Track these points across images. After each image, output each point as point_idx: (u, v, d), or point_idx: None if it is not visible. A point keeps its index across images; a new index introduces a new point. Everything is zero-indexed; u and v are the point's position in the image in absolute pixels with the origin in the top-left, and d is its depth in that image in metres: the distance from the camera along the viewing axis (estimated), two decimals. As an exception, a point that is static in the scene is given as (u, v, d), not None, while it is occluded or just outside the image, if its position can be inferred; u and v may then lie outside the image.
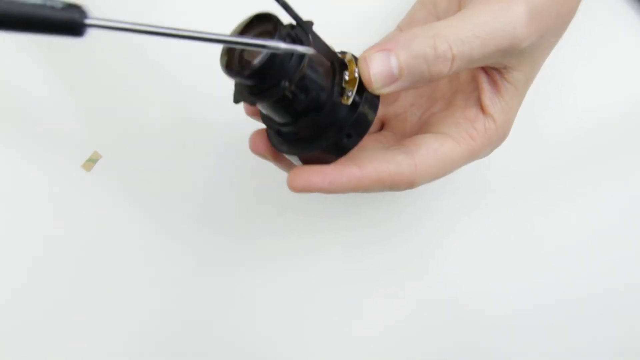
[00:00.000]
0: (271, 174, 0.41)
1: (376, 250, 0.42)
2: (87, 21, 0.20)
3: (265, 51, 0.25)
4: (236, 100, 0.28)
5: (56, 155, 0.42)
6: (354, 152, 0.29)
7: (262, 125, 0.32)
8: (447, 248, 0.42)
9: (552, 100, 0.42)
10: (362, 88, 0.28)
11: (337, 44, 0.40)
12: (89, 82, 0.43)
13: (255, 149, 0.31)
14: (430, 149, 0.30)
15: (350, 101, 0.28)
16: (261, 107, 0.28)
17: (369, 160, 0.29)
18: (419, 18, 0.36)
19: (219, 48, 0.28)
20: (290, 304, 0.42)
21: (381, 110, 0.35)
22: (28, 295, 0.41)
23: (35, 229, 0.42)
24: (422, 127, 0.33)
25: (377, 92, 0.28)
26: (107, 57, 0.43)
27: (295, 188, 0.28)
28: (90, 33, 0.20)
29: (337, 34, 0.41)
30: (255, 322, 0.42)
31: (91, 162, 0.42)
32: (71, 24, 0.20)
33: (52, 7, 0.19)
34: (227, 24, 0.28)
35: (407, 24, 0.37)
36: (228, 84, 0.32)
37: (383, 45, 0.27)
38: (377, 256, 0.42)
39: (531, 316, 0.42)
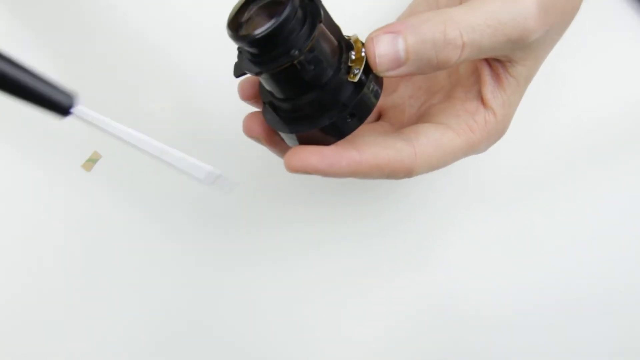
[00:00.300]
0: (271, 174, 0.41)
1: (374, 243, 0.42)
2: (72, 110, 0.22)
3: (276, 18, 0.25)
4: (237, 73, 0.27)
5: (56, 155, 0.42)
6: (352, 137, 0.29)
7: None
8: (446, 242, 0.42)
9: (553, 99, 0.42)
10: (368, 69, 0.28)
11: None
12: (89, 83, 0.43)
13: (249, 133, 0.31)
14: (431, 138, 0.29)
15: (357, 78, 0.27)
16: (264, 80, 0.28)
17: (369, 145, 0.28)
18: (420, 11, 0.36)
19: (219, 53, 0.28)
20: (290, 301, 0.42)
21: (379, 101, 0.35)
22: (28, 295, 0.41)
23: (35, 228, 0.42)
24: (422, 118, 0.33)
25: (381, 74, 0.27)
26: (107, 57, 0.43)
27: (292, 168, 0.27)
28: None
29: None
30: (254, 320, 0.42)
31: (91, 162, 0.42)
32: (58, 107, 0.21)
33: (50, 86, 0.21)
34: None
35: (408, 15, 0.36)
36: (229, 84, 0.32)
37: (392, 27, 0.27)
38: (375, 249, 0.42)
39: (529, 312, 0.42)
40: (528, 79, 0.32)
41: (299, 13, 0.26)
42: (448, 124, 0.30)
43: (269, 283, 0.42)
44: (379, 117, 0.36)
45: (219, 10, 0.29)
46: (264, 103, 0.30)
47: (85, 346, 0.41)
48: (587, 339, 0.42)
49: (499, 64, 0.30)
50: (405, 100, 0.35)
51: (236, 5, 0.27)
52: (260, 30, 0.25)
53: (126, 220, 0.42)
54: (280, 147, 0.31)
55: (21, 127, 0.42)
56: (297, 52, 0.25)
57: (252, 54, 0.27)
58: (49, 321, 0.41)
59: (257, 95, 0.31)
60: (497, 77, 0.31)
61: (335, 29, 0.28)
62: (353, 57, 0.28)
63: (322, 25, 0.26)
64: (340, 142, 0.28)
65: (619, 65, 0.43)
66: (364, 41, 0.28)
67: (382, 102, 0.36)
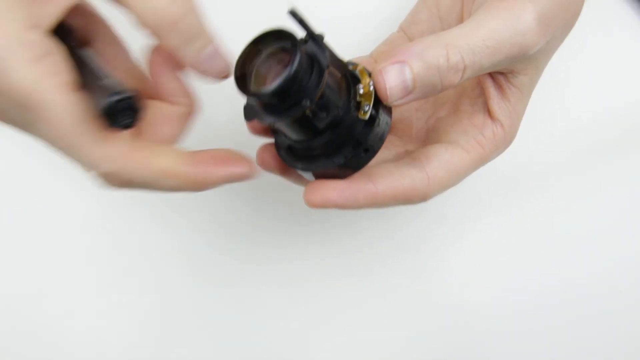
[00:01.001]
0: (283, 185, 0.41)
1: (380, 255, 0.43)
2: None
3: (288, 70, 0.25)
4: (249, 117, 0.28)
5: (56, 155, 0.42)
6: (366, 166, 0.30)
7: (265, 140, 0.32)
8: (451, 250, 0.43)
9: (553, 100, 0.42)
10: (377, 100, 0.28)
11: (337, 44, 0.40)
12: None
13: (264, 166, 0.31)
14: (442, 161, 0.30)
15: (368, 116, 0.27)
16: (276, 125, 0.28)
17: (384, 176, 0.29)
18: (422, 19, 0.36)
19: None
20: (297, 314, 0.43)
21: None
22: (27, 294, 0.41)
23: (35, 228, 0.42)
24: (430, 133, 0.33)
25: (391, 104, 0.28)
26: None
27: (312, 203, 0.28)
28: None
29: (337, 33, 0.41)
30: (259, 333, 0.42)
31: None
32: None
33: None
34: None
35: (410, 24, 0.37)
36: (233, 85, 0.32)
37: (397, 57, 0.27)
38: (381, 261, 0.43)
39: (536, 319, 0.42)
40: (531, 87, 0.32)
41: (306, 60, 0.25)
42: (457, 142, 0.31)
43: (272, 295, 0.43)
44: None
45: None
46: (276, 140, 0.31)
47: (83, 347, 0.41)
48: (595, 342, 0.42)
49: (501, 75, 0.31)
50: (412, 114, 0.35)
51: (241, 54, 0.27)
52: (269, 88, 0.25)
53: (126, 221, 0.42)
54: (294, 176, 0.32)
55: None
56: (308, 103, 0.25)
57: (262, 104, 0.27)
58: (49, 321, 0.42)
59: (267, 130, 0.31)
60: (500, 88, 0.31)
61: (340, 64, 0.28)
62: (361, 91, 0.28)
63: (329, 69, 0.26)
64: (356, 174, 0.29)
65: (619, 65, 0.43)
66: (364, 65, 0.29)
67: None
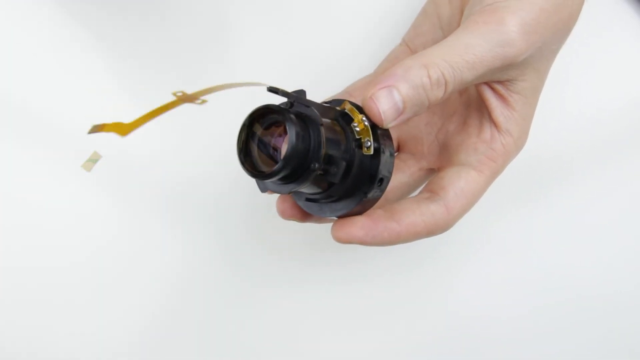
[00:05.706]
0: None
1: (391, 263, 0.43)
2: None
3: (287, 146, 0.26)
4: (263, 190, 0.29)
5: (56, 156, 0.42)
6: (389, 205, 0.31)
7: None
8: (453, 253, 0.43)
9: (554, 100, 0.41)
10: (375, 132, 0.29)
11: (341, 56, 0.40)
12: (88, 82, 0.43)
13: (285, 216, 0.32)
14: (458, 189, 0.31)
15: (372, 150, 0.28)
16: None
17: (406, 213, 0.30)
18: (424, 31, 0.37)
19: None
20: (305, 336, 0.43)
21: (395, 132, 0.36)
22: (28, 295, 0.41)
23: (35, 229, 0.42)
24: (442, 151, 0.34)
25: (386, 127, 0.28)
26: (107, 57, 0.42)
27: (339, 239, 0.29)
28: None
29: (340, 46, 0.41)
30: (269, 339, 0.42)
31: (91, 162, 0.42)
32: None
33: None
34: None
35: (413, 37, 0.37)
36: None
37: (384, 82, 0.28)
38: (392, 270, 0.43)
39: (545, 324, 0.42)
40: (535, 92, 0.32)
41: (300, 126, 0.26)
42: (469, 163, 0.32)
43: (284, 297, 0.43)
44: (397, 148, 0.37)
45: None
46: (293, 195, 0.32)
47: (83, 346, 0.41)
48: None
49: (499, 85, 0.31)
50: (421, 130, 0.36)
51: (239, 139, 0.27)
52: (275, 170, 0.26)
53: (126, 221, 0.42)
54: (314, 220, 0.33)
55: (21, 128, 0.42)
56: (316, 165, 0.26)
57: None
58: (49, 320, 0.41)
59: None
60: (502, 97, 0.31)
61: (328, 111, 0.29)
62: (357, 129, 0.29)
63: (323, 123, 0.27)
64: (378, 212, 0.30)
65: (619, 65, 0.43)
66: (347, 99, 0.29)
67: (399, 133, 0.37)
